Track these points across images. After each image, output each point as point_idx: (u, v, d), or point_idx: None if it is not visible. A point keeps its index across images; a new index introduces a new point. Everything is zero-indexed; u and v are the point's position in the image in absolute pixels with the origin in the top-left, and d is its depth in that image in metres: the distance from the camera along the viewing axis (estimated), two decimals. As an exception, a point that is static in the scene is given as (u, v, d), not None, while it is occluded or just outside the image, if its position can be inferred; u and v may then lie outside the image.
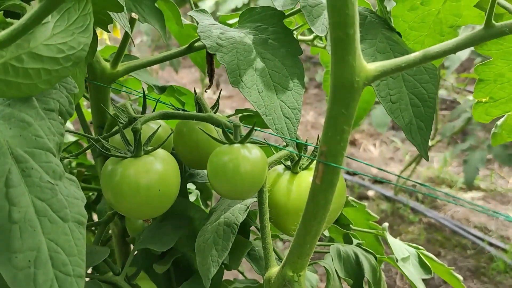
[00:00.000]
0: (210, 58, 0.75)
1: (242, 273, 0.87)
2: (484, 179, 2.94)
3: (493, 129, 0.63)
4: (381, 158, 3.28)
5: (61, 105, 0.45)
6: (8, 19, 0.43)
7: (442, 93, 3.31)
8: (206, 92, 0.71)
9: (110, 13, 0.54)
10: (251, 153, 0.50)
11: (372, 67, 0.43)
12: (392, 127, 3.48)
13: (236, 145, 0.50)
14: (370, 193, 2.78)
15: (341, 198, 0.58)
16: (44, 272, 0.39)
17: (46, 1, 0.37)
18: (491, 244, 2.33)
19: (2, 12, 0.42)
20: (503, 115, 0.63)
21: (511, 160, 2.21)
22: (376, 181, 2.91)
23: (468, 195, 2.83)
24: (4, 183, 0.39)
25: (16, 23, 0.37)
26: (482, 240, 2.35)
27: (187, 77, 4.48)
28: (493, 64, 0.58)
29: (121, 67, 0.68)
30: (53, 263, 0.40)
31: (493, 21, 0.43)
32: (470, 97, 2.88)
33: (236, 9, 2.29)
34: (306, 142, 0.57)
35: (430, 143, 2.48)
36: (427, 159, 0.57)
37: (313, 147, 0.59)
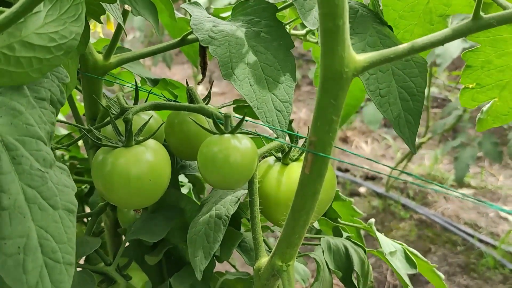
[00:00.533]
0: (203, 51, 0.75)
1: (234, 266, 0.87)
2: (474, 176, 2.96)
3: (479, 114, 0.64)
4: (373, 155, 3.29)
5: (52, 94, 0.45)
6: (0, 8, 0.43)
7: (433, 90, 3.32)
8: (199, 85, 0.72)
9: (103, 4, 0.54)
10: (241, 143, 0.50)
11: (361, 58, 0.43)
12: (384, 125, 3.49)
13: (226, 135, 0.51)
14: (362, 189, 2.79)
15: (331, 189, 0.59)
16: (33, 259, 0.39)
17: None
18: (480, 241, 2.35)
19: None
20: (489, 101, 0.64)
21: (501, 157, 2.22)
22: (368, 177, 2.92)
23: (459, 192, 2.84)
24: (-6, 171, 0.39)
25: (8, 11, 0.37)
26: (472, 236, 2.37)
27: (180, 73, 4.47)
28: (481, 51, 0.59)
29: (114, 59, 0.68)
30: (42, 250, 0.40)
31: (481, 13, 0.43)
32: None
33: (230, 5, 2.27)
34: (296, 133, 0.57)
35: (421, 140, 2.50)
36: (415, 152, 0.58)
37: (304, 140, 0.59)
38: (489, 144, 2.25)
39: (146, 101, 0.60)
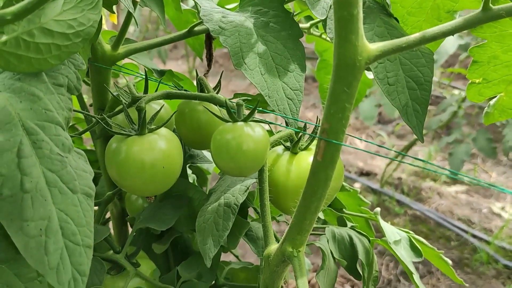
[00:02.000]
0: (209, 42, 0.76)
1: (237, 257, 0.88)
2: (468, 173, 2.99)
3: (486, 108, 0.66)
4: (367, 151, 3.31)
5: (69, 81, 0.46)
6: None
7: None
8: (206, 76, 0.72)
9: (115, -7, 0.55)
10: (254, 131, 0.51)
11: (374, 47, 0.44)
12: (378, 121, 3.51)
13: (240, 123, 0.52)
14: (357, 185, 2.81)
15: (340, 177, 0.60)
16: (54, 241, 0.40)
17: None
18: (474, 236, 2.38)
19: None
20: (495, 96, 0.65)
21: (495, 154, 2.25)
22: (362, 173, 2.94)
23: (452, 189, 2.87)
24: (16, 154, 0.40)
25: (30, -3, 0.38)
26: (466, 232, 2.39)
27: (174, 68, 4.44)
28: (488, 46, 0.60)
29: (122, 49, 0.68)
30: (63, 232, 0.41)
31: (491, 5, 0.44)
32: (456, 91, 2.93)
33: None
34: (307, 122, 0.58)
35: (415, 137, 2.52)
36: (422, 141, 0.59)
37: (313, 129, 0.60)
38: (483, 141, 2.27)
39: (156, 91, 0.61)
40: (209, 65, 0.77)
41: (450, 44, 1.88)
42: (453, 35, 0.45)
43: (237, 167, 0.52)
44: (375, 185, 2.76)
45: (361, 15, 0.42)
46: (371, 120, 2.39)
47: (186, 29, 0.72)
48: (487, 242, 2.34)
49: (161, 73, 0.77)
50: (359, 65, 0.43)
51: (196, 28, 0.72)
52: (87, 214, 0.42)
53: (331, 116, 0.45)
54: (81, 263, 0.41)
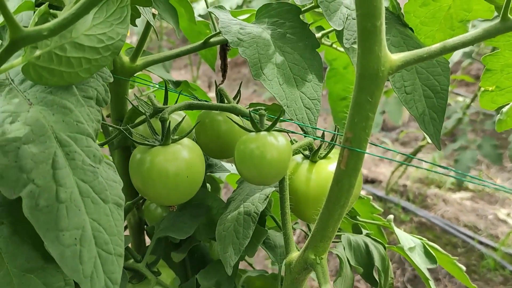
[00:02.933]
0: (223, 53, 0.77)
1: (251, 265, 0.89)
2: (472, 180, 2.99)
3: (498, 115, 0.67)
4: (371, 158, 3.32)
5: (98, 93, 0.47)
6: (52, 10, 0.44)
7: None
8: (220, 86, 0.73)
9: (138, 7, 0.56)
10: (277, 141, 0.52)
11: (396, 57, 0.45)
12: (382, 128, 3.52)
13: (263, 132, 0.53)
14: (362, 192, 2.81)
15: (360, 185, 0.61)
16: (88, 250, 0.41)
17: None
18: (481, 243, 2.38)
19: (47, 3, 0.43)
20: (508, 103, 0.66)
21: (501, 160, 2.25)
22: (368, 181, 2.95)
23: (457, 195, 2.88)
24: (51, 165, 0.41)
25: (65, 13, 0.39)
26: (472, 238, 2.39)
27: (178, 78, 4.49)
28: (501, 55, 0.61)
29: (140, 61, 0.69)
30: (96, 241, 0.41)
31: (510, 15, 0.45)
32: (460, 98, 2.94)
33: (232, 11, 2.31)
34: (325, 130, 0.59)
35: (420, 144, 2.53)
36: (440, 149, 0.60)
37: (332, 137, 0.61)
38: (488, 147, 2.28)
39: (176, 102, 0.62)
40: (223, 76, 0.78)
41: (454, 52, 1.89)
42: (473, 45, 0.47)
43: (260, 176, 0.53)
44: (381, 193, 2.77)
45: (383, 26, 0.44)
46: (376, 128, 2.40)
47: (202, 41, 0.73)
48: (494, 249, 2.34)
49: (177, 84, 0.79)
50: (382, 75, 0.44)
51: (211, 40, 0.73)
52: (118, 224, 0.43)
53: (355, 125, 0.46)
54: (113, 271, 0.42)
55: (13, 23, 0.37)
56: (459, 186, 2.72)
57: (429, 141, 0.62)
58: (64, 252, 0.40)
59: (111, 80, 0.49)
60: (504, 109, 0.71)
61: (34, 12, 0.43)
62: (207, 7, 0.88)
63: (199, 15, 1.04)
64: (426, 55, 0.46)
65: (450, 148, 2.43)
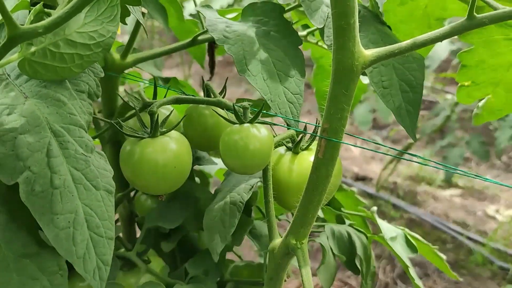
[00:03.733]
0: (211, 51, 0.80)
1: (239, 257, 0.92)
2: (462, 176, 3.04)
3: (475, 110, 0.70)
4: (362, 157, 3.36)
5: (90, 87, 0.50)
6: (46, 9, 0.47)
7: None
8: (206, 81, 0.76)
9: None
10: (260, 132, 0.55)
11: (369, 53, 0.48)
12: (373, 126, 3.56)
13: (246, 124, 0.56)
14: (353, 189, 2.85)
15: (339, 174, 0.64)
16: (81, 232, 0.44)
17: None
18: (469, 238, 2.42)
19: (42, 3, 0.46)
20: (484, 98, 0.69)
21: (488, 156, 2.30)
22: (358, 178, 2.98)
23: (447, 192, 2.92)
24: (45, 154, 0.44)
25: (59, 12, 0.42)
26: (461, 234, 2.43)
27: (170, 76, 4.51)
28: (475, 51, 0.64)
29: (130, 58, 0.72)
30: (88, 225, 0.44)
31: (475, 13, 0.49)
32: (449, 96, 2.98)
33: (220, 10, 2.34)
34: (307, 123, 0.62)
35: (409, 141, 2.56)
36: (415, 140, 0.63)
37: (313, 129, 0.64)
38: (476, 144, 2.32)
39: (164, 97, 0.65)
40: (211, 72, 0.81)
41: (442, 49, 1.93)
42: (441, 41, 0.50)
43: (244, 165, 0.56)
44: (371, 190, 2.80)
45: (357, 24, 0.47)
46: (366, 125, 2.44)
47: (190, 39, 0.76)
48: (482, 244, 2.38)
49: (166, 80, 0.82)
50: (356, 69, 0.48)
51: (199, 38, 0.76)
52: (109, 209, 0.46)
53: (331, 116, 0.49)
54: (105, 253, 0.45)
55: (10, 21, 0.40)
56: (449, 183, 2.76)
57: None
58: (58, 234, 0.42)
59: (102, 75, 0.51)
60: (480, 103, 0.75)
61: (30, 11, 0.46)
62: (196, 6, 0.91)
63: (190, 15, 1.07)
64: (398, 51, 0.49)
65: (439, 145, 2.47)
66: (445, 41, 0.96)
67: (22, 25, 0.42)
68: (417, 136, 2.66)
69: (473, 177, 0.57)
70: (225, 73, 4.46)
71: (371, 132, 3.53)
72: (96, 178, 0.46)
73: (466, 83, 0.71)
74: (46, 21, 0.41)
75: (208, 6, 0.70)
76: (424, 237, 2.47)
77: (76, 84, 0.49)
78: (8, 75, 0.49)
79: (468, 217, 2.63)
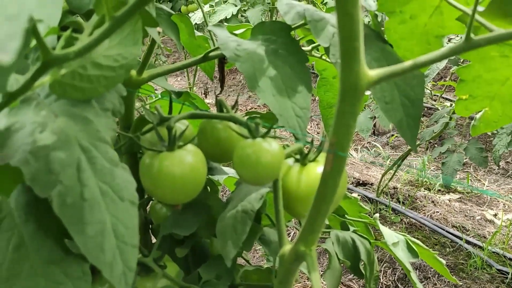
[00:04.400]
0: (221, 66, 0.84)
1: (247, 261, 0.96)
2: (460, 181, 3.08)
3: (472, 121, 0.74)
4: (362, 163, 3.40)
5: (114, 105, 0.54)
6: (74, 34, 0.51)
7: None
8: (218, 96, 0.80)
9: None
10: (271, 146, 0.59)
11: (373, 73, 0.52)
12: (373, 133, 3.60)
13: (258, 139, 0.60)
14: (354, 195, 2.88)
15: (344, 185, 0.67)
16: (108, 241, 0.47)
17: (112, 22, 0.45)
18: (468, 242, 2.46)
19: (71, 29, 0.50)
20: (481, 110, 0.73)
21: (486, 163, 2.33)
22: (359, 183, 3.02)
23: (446, 197, 2.96)
24: (76, 168, 0.47)
25: (88, 39, 0.46)
26: (460, 238, 2.47)
27: (175, 84, 4.57)
28: (472, 67, 0.68)
29: (145, 74, 0.76)
30: (115, 234, 0.48)
31: (471, 36, 0.52)
32: (448, 103, 3.02)
33: (226, 20, 2.41)
34: (314, 136, 0.66)
35: (409, 147, 2.60)
36: (416, 151, 0.67)
37: (320, 143, 0.68)
38: (474, 150, 2.36)
39: (180, 112, 0.69)
40: (221, 86, 0.85)
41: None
42: (440, 61, 0.53)
43: (256, 177, 0.59)
44: (372, 195, 2.84)
45: (362, 46, 0.50)
46: (367, 132, 2.48)
47: (202, 55, 0.80)
48: (481, 248, 2.42)
49: (179, 94, 0.85)
50: (360, 89, 0.51)
51: (210, 54, 0.79)
52: (132, 219, 0.50)
53: (338, 131, 0.53)
54: (129, 260, 0.48)
55: (45, 48, 0.44)
56: (448, 188, 2.80)
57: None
58: (88, 242, 0.46)
59: (125, 93, 0.55)
60: (477, 116, 0.79)
61: (58, 35, 0.50)
62: (204, 17, 0.95)
63: (196, 24, 1.11)
64: (399, 71, 0.53)
65: (438, 151, 2.51)
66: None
67: (53, 48, 0.45)
68: (417, 142, 2.71)
69: (480, 191, 0.61)
70: (228, 81, 4.52)
71: (371, 138, 3.58)
72: (121, 190, 0.50)
73: (464, 97, 0.75)
74: (77, 47, 0.45)
75: (219, 25, 0.74)
76: (424, 241, 2.51)
77: (101, 102, 0.52)
78: (39, 94, 0.53)
79: (467, 222, 2.67)
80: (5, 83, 0.39)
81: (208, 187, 0.94)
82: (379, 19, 0.73)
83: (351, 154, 3.49)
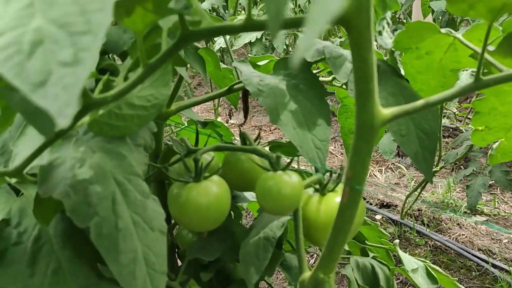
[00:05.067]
0: (245, 98, 0.88)
1: (269, 284, 0.99)
2: (487, 203, 3.05)
3: (490, 151, 0.76)
4: (387, 184, 3.39)
5: (145, 141, 0.58)
6: (110, 77, 0.56)
7: (445, 121, 3.45)
8: (242, 127, 0.84)
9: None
10: (291, 178, 0.63)
11: (387, 112, 0.55)
12: (398, 154, 3.60)
13: (279, 172, 0.63)
14: (378, 217, 2.88)
15: (362, 214, 0.70)
16: (140, 268, 0.51)
17: (146, 69, 0.50)
18: (495, 266, 2.43)
19: (108, 73, 0.55)
20: (497, 141, 0.76)
21: (511, 185, 2.32)
22: (383, 205, 3.01)
23: (472, 219, 2.93)
24: (111, 201, 0.51)
25: (124, 84, 0.50)
26: (487, 262, 2.44)
27: (199, 106, 4.65)
28: (487, 99, 0.71)
29: (174, 106, 0.81)
30: (146, 262, 0.52)
31: (481, 76, 0.55)
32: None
33: (250, 43, 2.47)
34: (332, 169, 0.69)
35: (434, 169, 2.60)
36: (431, 182, 0.69)
37: (337, 174, 0.71)
38: (499, 173, 2.35)
39: (206, 144, 0.73)
40: (245, 116, 0.89)
41: (463, 82, 1.98)
42: (451, 100, 0.57)
43: (277, 208, 0.63)
44: (396, 217, 2.84)
45: (376, 87, 0.54)
46: (390, 155, 2.49)
47: (227, 88, 0.84)
48: (508, 272, 2.39)
49: (204, 124, 0.90)
50: (375, 127, 0.55)
51: (235, 87, 0.84)
52: (162, 248, 0.54)
53: (354, 166, 0.56)
54: (159, 286, 0.52)
55: (86, 93, 0.49)
56: (474, 210, 2.78)
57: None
58: (122, 270, 0.50)
59: (155, 130, 0.60)
60: (494, 146, 0.81)
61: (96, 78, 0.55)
62: (226, 44, 1.00)
63: (220, 47, 1.15)
64: (412, 110, 0.56)
65: (462, 174, 2.50)
66: (467, 74, 1.02)
67: (91, 90, 0.50)
68: (441, 164, 2.71)
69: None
70: (252, 102, 4.58)
71: (395, 159, 3.57)
72: (151, 220, 0.54)
73: (480, 128, 0.78)
74: (114, 91, 0.49)
75: (243, 61, 0.78)
76: (449, 264, 2.49)
77: (134, 139, 0.57)
78: (77, 131, 0.57)
79: (493, 245, 2.63)
80: (52, 129, 0.44)
81: (232, 212, 0.98)
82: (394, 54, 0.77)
83: (375, 175, 3.49)
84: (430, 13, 2.47)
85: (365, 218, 0.92)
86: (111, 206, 0.51)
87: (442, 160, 2.72)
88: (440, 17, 2.86)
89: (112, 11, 0.29)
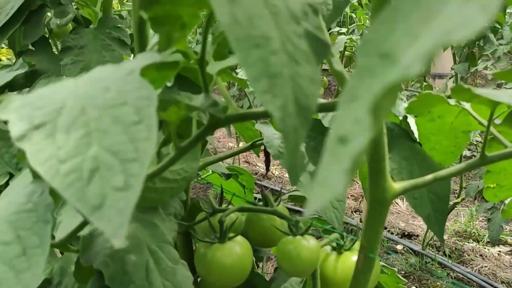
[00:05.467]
0: (267, 152, 0.93)
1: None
2: (511, 233, 3.03)
3: (502, 206, 0.80)
4: (409, 212, 3.40)
5: (175, 210, 0.64)
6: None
7: (465, 153, 3.45)
8: (265, 192, 0.89)
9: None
10: (309, 243, 0.67)
11: (398, 186, 0.60)
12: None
13: (298, 236, 0.68)
14: (399, 247, 2.89)
15: (376, 276, 0.75)
16: (171, 329, 0.56)
17: (177, 152, 0.55)
18: (518, 300, 2.41)
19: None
20: (509, 197, 0.80)
21: (533, 219, 2.31)
22: (404, 235, 3.02)
23: (496, 250, 2.92)
24: (145, 269, 0.57)
25: (162, 163, 0.56)
26: (509, 295, 2.43)
27: (223, 138, 4.73)
28: (498, 161, 0.75)
29: (200, 162, 0.86)
30: (176, 323, 0.57)
31: (486, 153, 0.60)
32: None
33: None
34: (347, 236, 0.74)
35: (455, 201, 2.61)
36: (443, 243, 0.73)
37: (354, 233, 0.76)
38: (521, 206, 2.35)
39: (230, 201, 0.78)
40: (267, 169, 0.94)
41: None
42: (458, 176, 0.61)
43: (296, 271, 0.68)
44: (417, 247, 2.84)
45: (387, 164, 0.59)
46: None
47: (250, 143, 0.90)
48: (531, 306, 2.38)
49: (228, 176, 0.95)
50: (387, 201, 0.59)
51: (257, 142, 0.89)
52: (190, 309, 0.59)
53: (368, 236, 0.61)
54: None
55: (124, 173, 0.54)
56: (495, 242, 2.76)
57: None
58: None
59: (184, 198, 0.65)
60: (506, 201, 0.85)
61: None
62: (249, 102, 1.05)
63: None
64: (421, 184, 0.60)
65: (484, 207, 2.51)
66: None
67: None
68: (463, 195, 2.72)
69: None
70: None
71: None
72: (181, 285, 0.59)
73: (491, 185, 0.82)
74: (149, 172, 0.55)
75: (265, 123, 0.84)
76: (471, 298, 2.47)
77: (166, 208, 0.63)
78: (114, 200, 0.63)
79: (517, 277, 2.62)
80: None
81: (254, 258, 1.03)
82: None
83: (396, 203, 3.50)
84: (450, 47, 2.50)
85: (382, 267, 0.96)
86: (145, 274, 0.57)
87: (464, 188, 2.72)
88: (460, 53, 2.89)
89: (156, 141, 0.35)
